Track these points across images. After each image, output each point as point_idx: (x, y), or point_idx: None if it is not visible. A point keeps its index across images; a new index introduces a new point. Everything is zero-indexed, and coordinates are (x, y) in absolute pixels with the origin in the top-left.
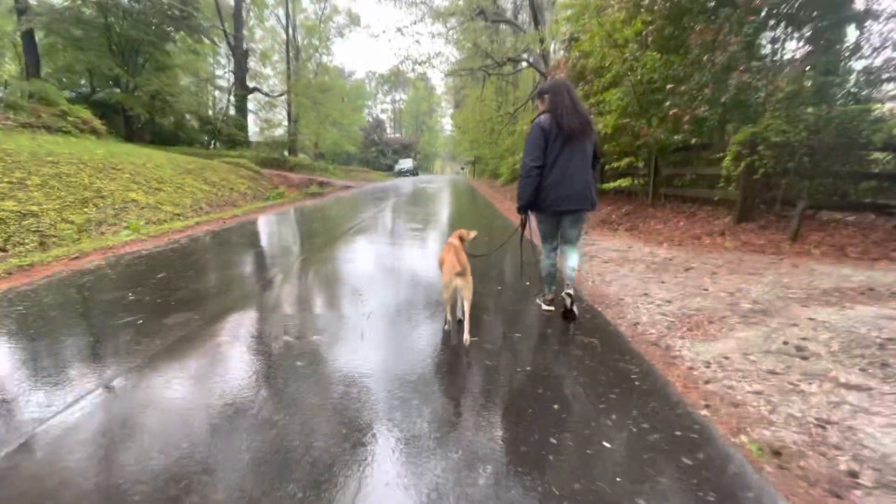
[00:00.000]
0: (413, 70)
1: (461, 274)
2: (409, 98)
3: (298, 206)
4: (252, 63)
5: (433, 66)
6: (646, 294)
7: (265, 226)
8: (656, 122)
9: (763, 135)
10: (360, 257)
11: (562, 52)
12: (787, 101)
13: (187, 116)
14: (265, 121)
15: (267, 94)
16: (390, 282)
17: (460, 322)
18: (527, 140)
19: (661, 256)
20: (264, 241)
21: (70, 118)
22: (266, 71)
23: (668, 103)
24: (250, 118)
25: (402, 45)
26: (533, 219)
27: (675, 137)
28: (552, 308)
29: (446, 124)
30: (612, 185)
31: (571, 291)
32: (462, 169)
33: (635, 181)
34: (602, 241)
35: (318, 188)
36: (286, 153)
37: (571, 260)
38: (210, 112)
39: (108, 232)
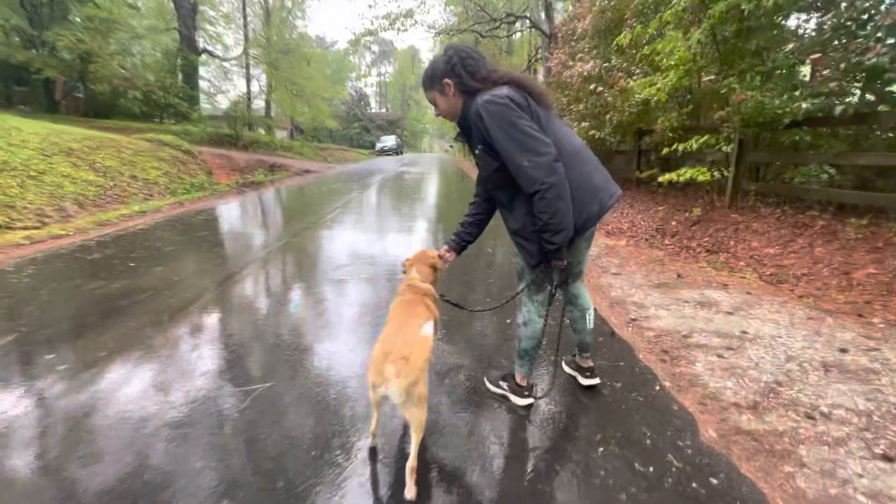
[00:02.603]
0: (394, 25)
1: (397, 375)
2: (395, 71)
3: (203, 210)
4: (220, 28)
5: (416, 22)
6: None
7: (46, 275)
8: (759, 80)
9: None
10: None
11: None
12: None
13: (139, 85)
14: (216, 88)
15: (219, 58)
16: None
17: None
18: (502, 128)
19: None
20: None
21: None
22: (230, 34)
23: (788, 48)
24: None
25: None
26: None
27: (802, 105)
28: (532, 400)
29: None
30: (672, 176)
31: (592, 363)
32: (451, 147)
33: (713, 172)
34: (745, 311)
35: (265, 174)
36: (245, 129)
37: (590, 312)
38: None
39: None
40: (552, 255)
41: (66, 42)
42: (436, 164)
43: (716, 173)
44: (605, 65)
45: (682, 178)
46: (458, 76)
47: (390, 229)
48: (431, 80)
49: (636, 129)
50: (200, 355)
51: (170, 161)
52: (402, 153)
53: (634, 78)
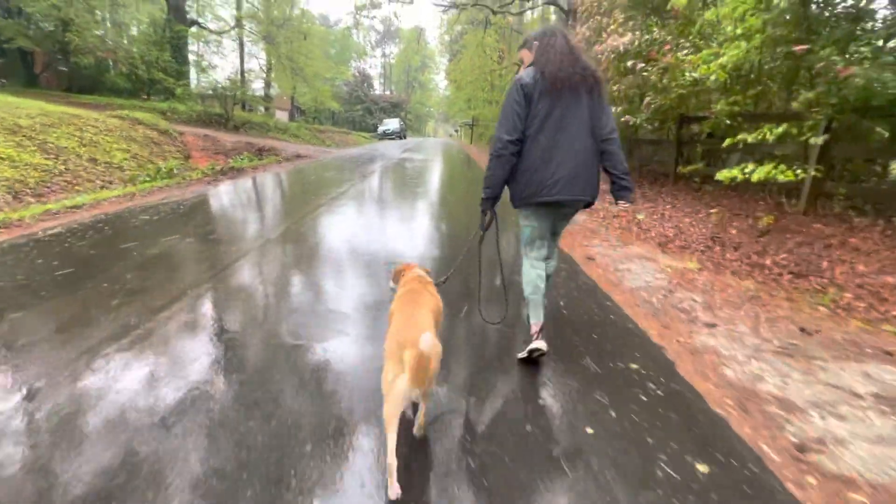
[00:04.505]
0: None
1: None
2: (399, 52)
3: (151, 207)
4: None
5: None
6: None
7: None
8: (870, 52)
9: None
10: None
11: None
12: None
13: (120, 57)
14: (203, 61)
15: (209, 30)
16: None
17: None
18: (504, 102)
19: None
20: None
21: None
22: (224, 6)
23: None
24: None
25: None
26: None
27: None
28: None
29: (440, 82)
30: (734, 173)
31: (542, 343)
32: (455, 131)
33: (797, 170)
34: None
35: (249, 159)
36: (239, 108)
37: (552, 266)
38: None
39: None
40: (482, 203)
41: (39, 7)
42: (440, 150)
43: (799, 172)
44: (645, 37)
45: (755, 178)
46: (539, 43)
47: (388, 238)
48: (526, 41)
49: (678, 114)
50: None
51: (141, 142)
52: (405, 137)
53: (682, 54)
